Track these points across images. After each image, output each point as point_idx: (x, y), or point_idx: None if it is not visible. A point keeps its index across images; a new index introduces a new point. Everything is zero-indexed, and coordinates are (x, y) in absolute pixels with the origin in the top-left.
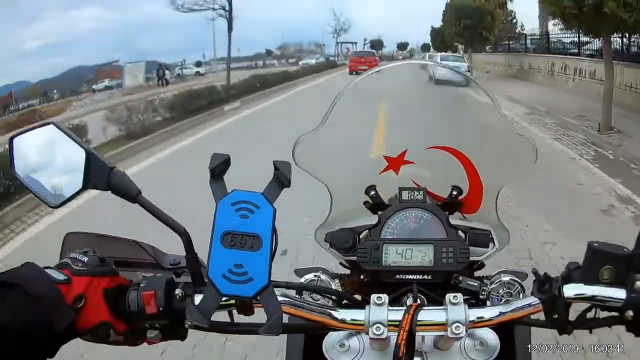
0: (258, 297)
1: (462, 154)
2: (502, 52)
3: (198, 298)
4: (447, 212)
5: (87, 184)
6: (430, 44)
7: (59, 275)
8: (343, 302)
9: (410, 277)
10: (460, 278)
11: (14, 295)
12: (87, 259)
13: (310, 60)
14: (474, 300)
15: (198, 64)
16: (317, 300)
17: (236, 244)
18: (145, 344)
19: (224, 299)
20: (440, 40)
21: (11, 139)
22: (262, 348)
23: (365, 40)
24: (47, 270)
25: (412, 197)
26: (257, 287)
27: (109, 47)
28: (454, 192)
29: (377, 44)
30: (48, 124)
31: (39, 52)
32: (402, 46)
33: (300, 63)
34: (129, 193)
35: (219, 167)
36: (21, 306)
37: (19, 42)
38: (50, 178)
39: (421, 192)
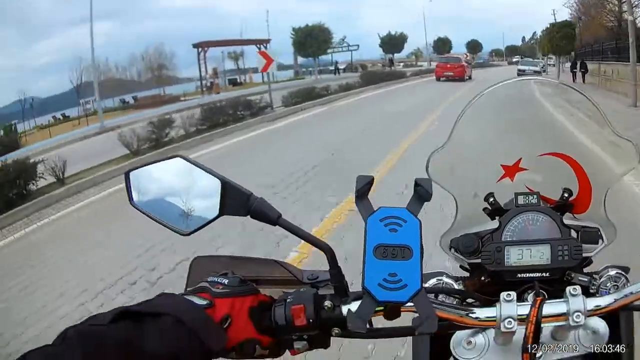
0: (411, 302)
1: (572, 159)
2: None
3: (345, 307)
4: (559, 214)
5: (224, 210)
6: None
7: (200, 301)
8: (465, 302)
9: (531, 275)
10: (572, 274)
11: (163, 324)
12: (227, 280)
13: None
14: (584, 294)
15: None
16: (442, 302)
17: (388, 255)
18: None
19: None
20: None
21: (127, 173)
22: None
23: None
24: (187, 297)
25: (527, 201)
26: (411, 292)
27: None
28: (565, 195)
29: (442, 45)
30: (175, 156)
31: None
32: (474, 47)
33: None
34: (270, 217)
35: (363, 188)
36: (172, 333)
37: None
38: (179, 208)
39: (535, 196)
